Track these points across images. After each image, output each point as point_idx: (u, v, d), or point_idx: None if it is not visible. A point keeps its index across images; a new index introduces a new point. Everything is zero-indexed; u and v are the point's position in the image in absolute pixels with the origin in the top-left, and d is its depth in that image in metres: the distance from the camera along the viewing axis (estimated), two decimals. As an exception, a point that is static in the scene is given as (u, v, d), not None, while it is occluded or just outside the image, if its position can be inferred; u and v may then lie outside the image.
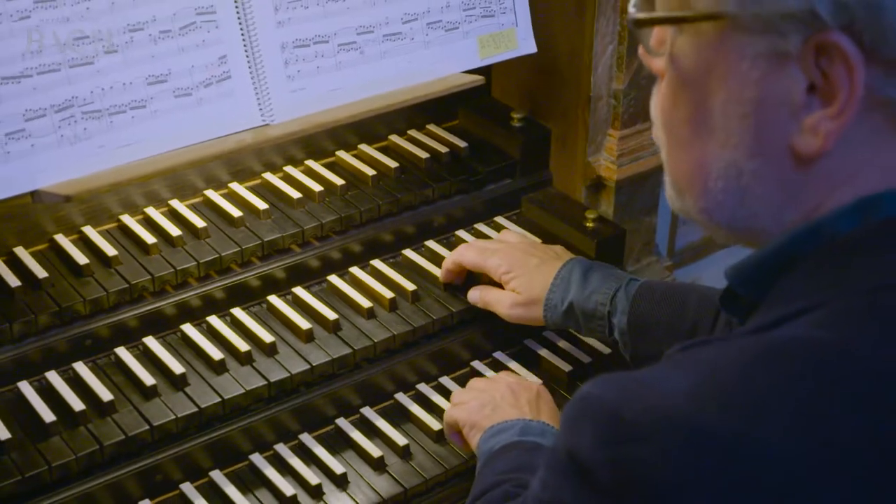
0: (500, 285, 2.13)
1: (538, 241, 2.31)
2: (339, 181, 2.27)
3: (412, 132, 2.49)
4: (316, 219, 2.18)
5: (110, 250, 2.03)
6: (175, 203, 2.19)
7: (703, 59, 1.12)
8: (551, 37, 2.48)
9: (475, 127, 2.52)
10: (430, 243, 2.32)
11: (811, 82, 1.07)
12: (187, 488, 1.88)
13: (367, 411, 2.06)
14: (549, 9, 2.47)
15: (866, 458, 0.98)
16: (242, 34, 2.08)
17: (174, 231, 2.09)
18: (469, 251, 2.18)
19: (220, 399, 1.90)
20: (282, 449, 1.97)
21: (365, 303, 2.11)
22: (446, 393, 2.10)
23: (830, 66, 1.05)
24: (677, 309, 1.94)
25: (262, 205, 2.18)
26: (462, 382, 2.09)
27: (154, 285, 2.01)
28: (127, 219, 2.13)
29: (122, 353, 1.97)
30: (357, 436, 2.00)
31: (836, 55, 1.04)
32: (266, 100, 2.11)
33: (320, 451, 1.96)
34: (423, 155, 2.39)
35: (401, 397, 2.10)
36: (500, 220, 2.41)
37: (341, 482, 1.91)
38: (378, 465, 1.95)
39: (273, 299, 2.12)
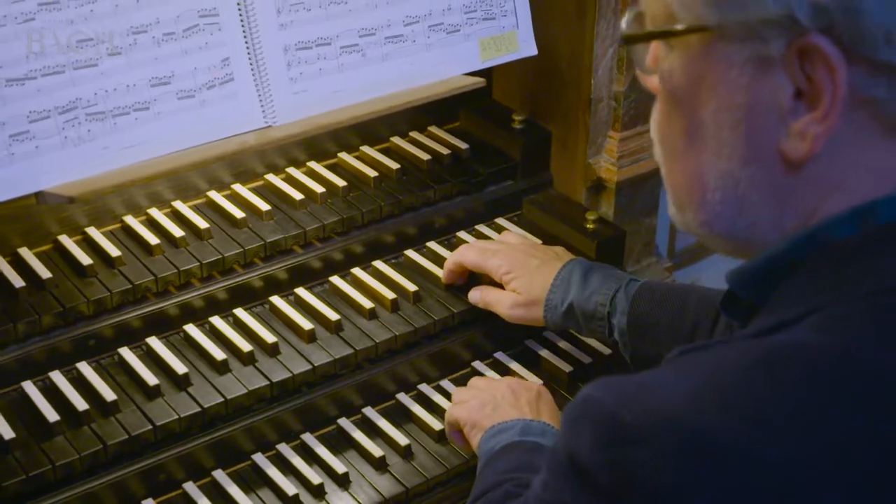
0: (500, 286, 2.14)
1: (539, 242, 2.31)
2: (341, 182, 2.28)
3: (414, 134, 2.49)
4: (318, 220, 2.19)
5: (114, 251, 2.04)
6: (178, 204, 2.20)
7: (692, 71, 1.14)
8: (552, 39, 2.49)
9: (476, 129, 2.53)
10: (432, 244, 2.32)
11: (797, 87, 1.08)
12: (190, 488, 1.89)
13: (369, 411, 2.06)
14: (550, 12, 2.48)
15: (866, 461, 0.99)
16: (245, 36, 2.08)
17: (177, 232, 2.10)
18: (470, 252, 2.18)
19: (222, 399, 1.91)
20: (284, 449, 1.97)
21: (367, 303, 2.12)
22: (447, 393, 2.11)
23: (813, 70, 1.06)
24: (677, 310, 1.94)
25: (264, 206, 2.19)
26: (463, 383, 2.09)
27: (157, 286, 2.02)
28: (130, 220, 2.14)
29: (126, 353, 1.98)
30: (359, 436, 2.00)
31: (817, 58, 1.06)
32: (268, 102, 2.12)
33: (322, 451, 1.97)
34: (425, 156, 2.39)
35: (402, 397, 2.10)
36: (500, 221, 2.41)
37: (343, 482, 1.91)
38: (380, 465, 1.95)
39: (275, 300, 2.12)
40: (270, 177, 2.30)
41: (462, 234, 2.36)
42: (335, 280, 2.20)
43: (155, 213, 2.17)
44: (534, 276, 2.09)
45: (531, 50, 2.42)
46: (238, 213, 2.16)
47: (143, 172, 1.99)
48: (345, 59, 2.20)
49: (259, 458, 1.95)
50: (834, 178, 1.11)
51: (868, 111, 1.08)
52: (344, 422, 2.04)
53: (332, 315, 2.08)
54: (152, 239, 2.08)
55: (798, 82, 1.08)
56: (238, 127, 2.09)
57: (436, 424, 2.02)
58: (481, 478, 1.77)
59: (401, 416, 2.07)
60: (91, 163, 1.94)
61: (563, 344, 2.23)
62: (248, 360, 1.98)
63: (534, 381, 2.10)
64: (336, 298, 2.16)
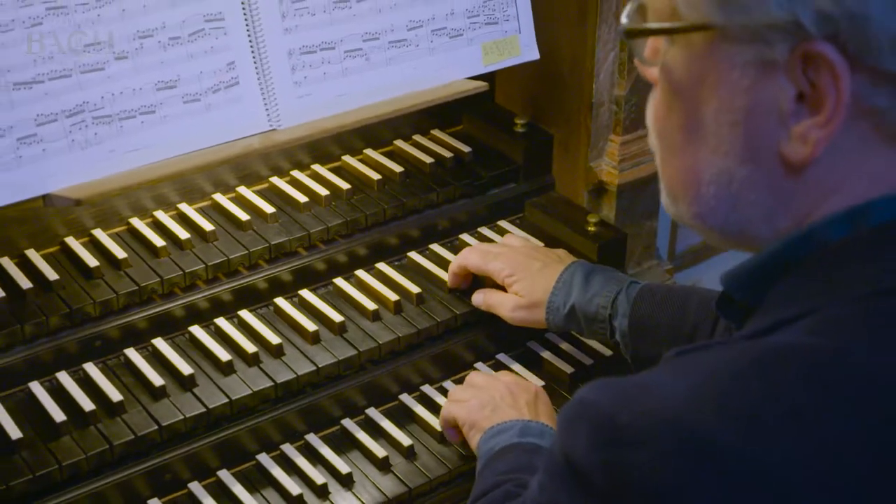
0: (503, 289, 2.14)
1: (541, 244, 2.32)
2: (345, 185, 2.28)
3: (417, 137, 2.50)
4: (322, 222, 2.20)
5: (120, 253, 2.04)
6: (184, 207, 2.20)
7: (694, 68, 1.14)
8: (554, 44, 2.49)
9: (479, 132, 2.53)
10: (435, 247, 2.33)
11: (799, 91, 1.08)
12: (195, 487, 1.89)
13: (373, 412, 2.07)
14: (552, 16, 2.49)
15: (861, 464, 0.99)
16: (250, 41, 2.09)
17: (183, 234, 2.11)
18: (472, 255, 2.18)
19: (227, 399, 1.91)
20: (288, 449, 1.98)
21: (370, 305, 2.13)
22: (450, 395, 2.12)
23: (817, 75, 1.06)
24: (678, 312, 1.95)
25: (269, 208, 2.20)
26: (465, 384, 2.10)
27: (163, 287, 2.02)
28: (136, 222, 2.14)
29: (132, 353, 1.98)
30: (362, 436, 2.01)
31: (822, 64, 1.05)
32: (273, 105, 2.13)
33: (326, 452, 1.97)
34: (428, 160, 2.40)
35: (405, 398, 2.10)
36: (503, 223, 2.42)
37: (347, 482, 1.92)
38: (383, 465, 1.96)
39: (280, 301, 2.13)
40: (275, 180, 2.31)
41: (465, 237, 2.37)
42: (339, 282, 2.20)
43: (161, 215, 2.17)
44: (536, 278, 2.10)
45: (533, 54, 2.43)
46: (243, 216, 2.17)
47: (149, 175, 1.99)
48: (349, 64, 2.21)
49: (264, 459, 1.95)
50: (833, 182, 1.11)
51: (870, 119, 1.08)
52: (347, 422, 2.04)
53: (336, 316, 2.09)
54: (158, 241, 2.08)
55: (800, 85, 1.07)
56: (243, 130, 2.10)
57: (438, 425, 2.02)
58: (481, 478, 1.77)
59: (404, 417, 2.07)
60: (98, 166, 1.95)
61: (564, 345, 2.24)
62: (252, 361, 1.99)
63: (535, 382, 2.11)
64: (340, 300, 2.17)
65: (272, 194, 2.28)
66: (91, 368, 1.95)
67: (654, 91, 1.22)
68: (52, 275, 1.98)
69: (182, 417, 1.88)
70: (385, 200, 2.28)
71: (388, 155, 2.43)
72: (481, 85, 2.35)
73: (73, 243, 2.08)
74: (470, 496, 1.75)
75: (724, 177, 1.15)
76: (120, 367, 1.98)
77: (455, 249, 2.31)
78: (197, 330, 2.05)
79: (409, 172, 2.37)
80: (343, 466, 1.94)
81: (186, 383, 1.93)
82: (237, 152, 2.09)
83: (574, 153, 2.59)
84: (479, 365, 2.19)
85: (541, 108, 2.61)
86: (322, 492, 1.90)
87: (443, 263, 2.26)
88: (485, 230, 2.40)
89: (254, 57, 2.10)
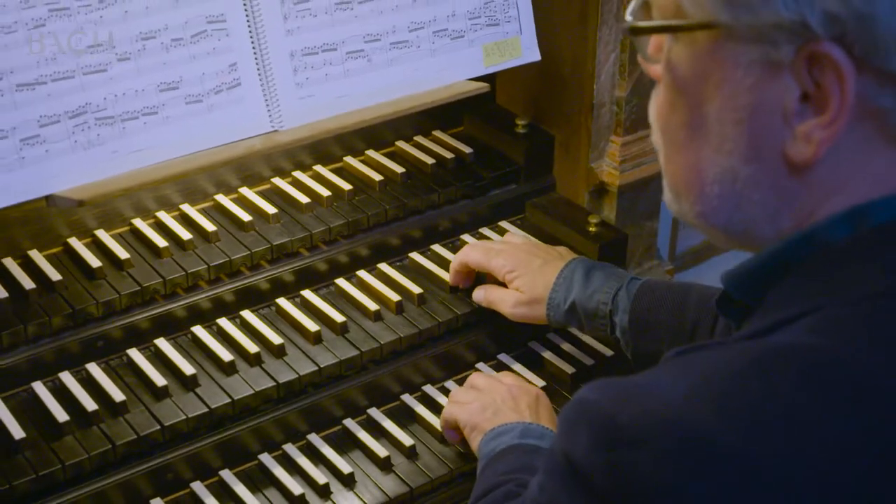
0: (505, 286, 2.14)
1: (543, 243, 2.32)
2: (346, 186, 2.29)
3: (418, 138, 2.50)
4: (324, 223, 2.20)
5: (123, 254, 2.05)
6: (186, 207, 2.21)
7: (698, 66, 1.13)
8: (555, 45, 2.50)
9: (480, 133, 2.53)
10: (436, 247, 2.33)
11: (804, 91, 1.07)
12: (198, 487, 1.90)
13: (374, 412, 2.07)
14: (553, 18, 2.49)
15: (860, 464, 0.99)
16: (252, 42, 2.10)
17: (185, 235, 2.11)
18: (474, 251, 2.18)
19: (229, 400, 1.92)
20: (290, 449, 1.98)
21: (372, 305, 2.13)
22: (451, 394, 2.12)
23: (822, 76, 1.06)
24: (678, 307, 1.94)
25: (271, 209, 2.20)
26: (467, 384, 2.11)
27: (165, 288, 2.03)
28: (139, 223, 2.15)
29: (134, 354, 1.99)
30: (364, 436, 2.01)
31: (827, 65, 1.05)
32: (275, 106, 2.13)
33: (328, 451, 1.97)
34: (430, 160, 2.41)
35: (407, 398, 2.11)
36: (504, 224, 2.42)
37: (348, 482, 1.92)
38: (385, 465, 1.96)
39: (282, 302, 2.13)
40: (277, 180, 2.31)
41: (466, 238, 2.37)
42: (341, 282, 2.21)
43: (163, 216, 2.18)
44: (536, 275, 2.09)
45: (534, 55, 2.43)
46: (245, 217, 2.18)
47: (151, 176, 2.00)
48: (350, 65, 2.21)
49: (266, 458, 1.95)
50: (836, 182, 1.11)
51: (874, 120, 1.08)
52: (349, 422, 2.05)
53: (338, 317, 2.09)
54: (160, 241, 2.09)
55: (805, 86, 1.07)
56: (245, 131, 2.11)
57: (440, 425, 2.02)
58: (482, 479, 1.78)
59: (405, 417, 2.08)
60: (100, 166, 1.95)
61: (565, 346, 2.24)
62: (254, 361, 1.99)
63: (536, 382, 2.11)
64: (342, 300, 2.17)
65: (274, 195, 2.28)
66: (94, 368, 1.95)
67: (658, 88, 1.22)
68: (54, 275, 1.99)
69: (184, 417, 1.88)
70: (386, 201, 2.28)
71: (390, 156, 2.44)
72: (482, 86, 2.36)
73: (76, 244, 2.08)
74: (471, 496, 1.75)
75: (728, 175, 1.15)
76: (122, 367, 1.98)
77: (456, 250, 2.30)
78: (199, 330, 2.05)
79: (411, 173, 2.38)
80: (345, 466, 1.94)
81: (189, 383, 1.94)
82: (239, 153, 2.09)
83: (575, 154, 2.60)
84: (480, 365, 2.20)
85: (542, 109, 2.61)
86: (324, 492, 1.90)
87: (444, 264, 2.26)
88: (486, 231, 2.40)
89: (256, 58, 2.11)
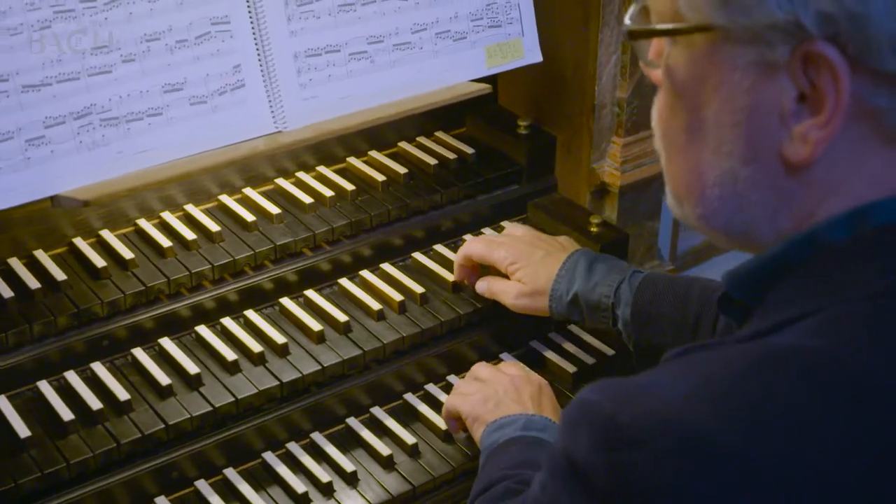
0: (508, 278, 2.14)
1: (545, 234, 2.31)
2: (349, 187, 2.29)
3: (421, 139, 2.51)
4: (327, 223, 2.21)
5: (127, 253, 2.05)
6: (190, 208, 2.21)
7: (696, 69, 1.14)
8: (557, 47, 2.50)
9: (482, 134, 2.54)
10: (439, 247, 2.34)
11: (800, 91, 1.08)
12: (202, 485, 1.90)
13: (377, 411, 2.08)
14: (555, 19, 2.49)
15: (860, 464, 0.99)
16: (256, 44, 2.11)
17: (189, 235, 2.12)
18: (476, 244, 2.18)
19: (233, 399, 1.92)
20: (294, 447, 1.99)
21: (375, 305, 2.14)
22: (454, 393, 2.13)
23: (817, 76, 1.06)
24: (680, 301, 1.94)
25: (274, 209, 2.21)
26: (469, 384, 2.11)
27: (169, 288, 2.04)
28: (143, 223, 2.16)
29: (139, 353, 1.99)
30: (367, 435, 2.02)
31: (822, 65, 1.05)
32: (279, 107, 2.14)
33: (331, 450, 1.98)
34: (432, 161, 2.41)
35: (409, 397, 2.11)
36: (506, 224, 2.42)
37: (352, 480, 1.93)
38: (387, 464, 1.97)
39: (285, 301, 2.14)
40: (280, 181, 2.32)
41: (468, 238, 2.37)
42: (344, 282, 2.21)
43: (167, 216, 2.18)
44: (539, 266, 2.09)
45: (536, 57, 2.44)
46: (249, 217, 2.18)
47: (156, 177, 2.01)
48: (354, 66, 2.22)
49: (269, 457, 1.96)
50: (833, 183, 1.11)
51: (870, 120, 1.08)
52: (352, 421, 2.05)
53: (341, 316, 2.10)
54: (165, 242, 2.10)
55: (801, 87, 1.07)
56: (249, 132, 2.12)
57: (442, 424, 2.03)
58: (483, 472, 1.78)
59: (408, 416, 2.09)
60: (105, 167, 1.96)
61: (567, 345, 2.25)
62: (258, 360, 2.00)
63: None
64: (345, 300, 2.18)
65: (277, 195, 2.29)
66: (98, 368, 1.96)
67: (659, 93, 1.22)
68: (59, 275, 1.99)
69: (188, 416, 1.89)
70: (389, 201, 2.29)
71: (393, 156, 2.44)
72: (485, 87, 2.37)
73: (81, 244, 2.09)
74: (472, 490, 1.76)
75: (728, 177, 1.15)
76: (127, 366, 1.99)
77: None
78: (203, 330, 2.06)
79: (413, 174, 2.38)
80: (348, 465, 1.95)
81: (193, 382, 1.94)
82: (243, 154, 2.10)
83: (576, 155, 2.60)
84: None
85: (543, 111, 2.62)
86: (327, 490, 1.91)
87: (447, 264, 2.27)
88: (488, 231, 2.40)
89: (259, 59, 2.12)
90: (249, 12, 2.09)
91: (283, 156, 2.32)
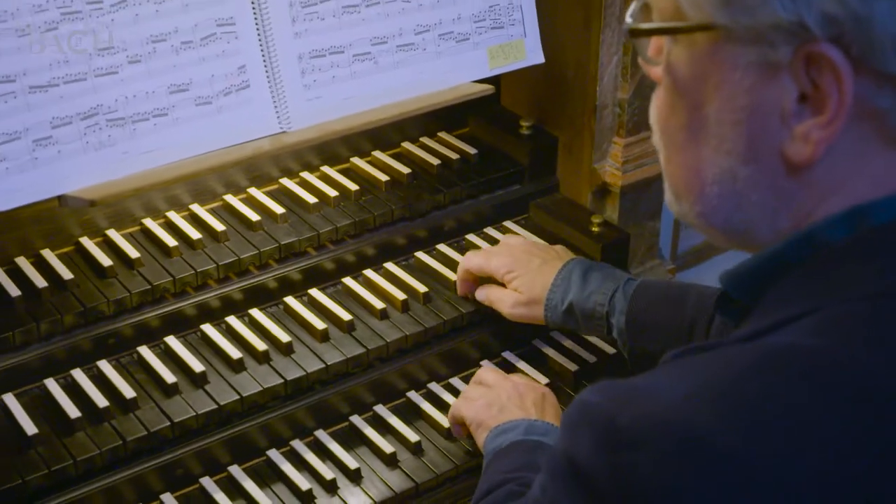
0: (505, 286, 2.15)
1: (542, 242, 2.32)
2: (353, 186, 2.30)
3: (424, 139, 2.51)
4: (331, 223, 2.22)
5: (133, 253, 2.07)
6: (195, 207, 2.22)
7: (697, 68, 1.14)
8: (559, 48, 2.50)
9: (485, 134, 2.55)
10: (442, 247, 2.35)
11: (802, 91, 1.07)
12: (207, 482, 1.91)
13: (380, 409, 2.09)
14: (557, 21, 2.49)
15: (860, 464, 0.99)
16: (261, 45, 2.11)
17: (195, 234, 2.13)
18: (474, 258, 2.19)
19: (238, 396, 1.93)
20: (298, 445, 2.00)
21: (378, 304, 2.14)
22: (457, 391, 2.12)
23: (820, 76, 1.06)
24: (675, 308, 1.95)
25: (279, 209, 2.22)
26: (472, 382, 2.12)
27: (175, 286, 2.05)
28: (149, 222, 2.17)
29: (145, 351, 2.00)
30: (370, 432, 2.03)
31: (825, 65, 1.05)
32: (283, 108, 2.15)
33: (335, 447, 1.99)
34: (435, 161, 2.42)
35: (413, 395, 2.12)
36: (508, 224, 2.44)
37: (355, 477, 1.94)
38: (390, 461, 1.98)
39: (290, 300, 2.15)
40: (285, 181, 2.33)
41: (471, 237, 2.38)
42: (348, 281, 2.22)
43: (173, 216, 2.19)
44: (535, 275, 2.10)
45: (538, 58, 2.45)
46: (253, 216, 2.19)
47: (161, 177, 2.01)
48: (357, 67, 2.22)
49: (274, 454, 1.97)
50: (833, 183, 1.11)
51: (872, 121, 1.08)
52: (356, 419, 2.06)
53: (345, 315, 2.11)
54: (170, 241, 2.11)
55: (803, 86, 1.07)
56: (254, 132, 2.12)
57: (445, 422, 2.04)
58: (486, 476, 1.78)
59: (411, 414, 2.09)
60: (111, 167, 1.97)
61: (568, 343, 2.25)
62: (263, 358, 2.01)
63: (540, 380, 2.13)
64: (348, 299, 2.19)
65: (282, 195, 2.30)
66: (105, 366, 1.97)
67: (658, 90, 1.22)
68: (66, 274, 2.01)
69: (194, 414, 1.90)
70: (393, 201, 2.30)
71: (396, 157, 2.45)
72: (487, 88, 2.37)
73: (88, 243, 2.10)
74: (475, 494, 1.76)
75: (728, 176, 1.15)
76: (133, 364, 2.00)
77: (461, 250, 2.33)
78: (208, 328, 2.07)
79: (417, 174, 2.39)
80: (351, 462, 1.96)
81: (198, 380, 1.95)
82: (248, 154, 2.11)
83: (578, 155, 2.61)
84: (484, 363, 2.21)
85: (545, 111, 2.62)
86: (331, 487, 1.92)
87: (449, 263, 2.28)
88: (490, 230, 2.41)
89: (264, 60, 2.12)
90: (254, 14, 2.10)
91: (288, 156, 2.33)
